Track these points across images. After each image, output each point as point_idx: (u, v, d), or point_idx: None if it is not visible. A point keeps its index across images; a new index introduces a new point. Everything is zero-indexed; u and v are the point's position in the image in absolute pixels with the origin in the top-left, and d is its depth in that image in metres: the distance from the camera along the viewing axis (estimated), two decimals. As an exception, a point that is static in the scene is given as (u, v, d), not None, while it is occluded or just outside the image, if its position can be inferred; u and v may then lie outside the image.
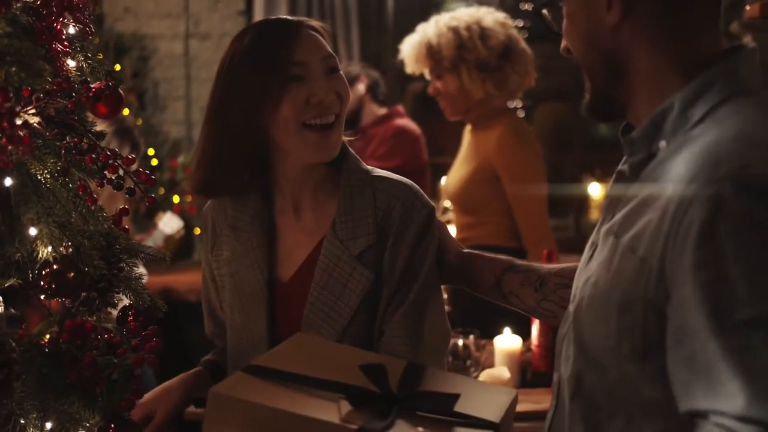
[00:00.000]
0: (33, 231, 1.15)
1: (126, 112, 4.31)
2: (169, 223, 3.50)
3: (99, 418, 1.17)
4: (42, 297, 1.20)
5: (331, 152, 1.54)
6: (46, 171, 1.19)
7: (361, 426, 1.10)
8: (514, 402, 1.29)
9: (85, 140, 1.25)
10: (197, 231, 4.53)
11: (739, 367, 0.85)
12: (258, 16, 4.44)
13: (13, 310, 1.22)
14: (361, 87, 3.65)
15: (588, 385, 1.04)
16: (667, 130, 1.02)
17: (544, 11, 1.14)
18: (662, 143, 1.02)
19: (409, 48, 2.92)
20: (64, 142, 1.22)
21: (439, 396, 1.22)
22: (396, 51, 3.08)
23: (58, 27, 1.30)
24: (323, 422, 1.10)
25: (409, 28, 3.05)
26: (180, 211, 4.39)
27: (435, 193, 3.77)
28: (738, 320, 0.86)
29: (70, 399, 1.16)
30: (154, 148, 4.38)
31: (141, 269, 3.16)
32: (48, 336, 1.18)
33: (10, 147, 1.00)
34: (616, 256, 1.00)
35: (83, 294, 1.21)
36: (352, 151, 1.63)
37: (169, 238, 3.55)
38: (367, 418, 1.12)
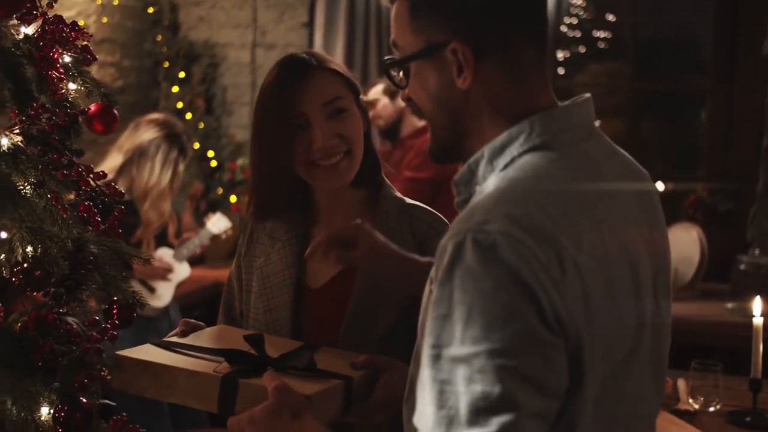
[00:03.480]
0: (4, 234, 1.34)
1: (189, 116, 4.58)
2: (217, 224, 3.71)
3: (55, 398, 1.36)
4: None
5: (341, 180, 1.66)
6: (26, 183, 1.40)
7: (224, 376, 1.34)
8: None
9: (64, 157, 1.45)
10: (252, 230, 4.76)
11: (436, 395, 0.96)
12: (318, 28, 4.64)
13: (-6, 301, 1.43)
14: (399, 103, 3.81)
15: (417, 392, 1.11)
16: (480, 176, 1.11)
17: (391, 70, 1.18)
18: (477, 187, 1.11)
19: None
20: (44, 158, 1.42)
21: (301, 356, 1.44)
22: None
23: (55, 56, 1.50)
24: (198, 373, 1.36)
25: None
26: (237, 210, 4.63)
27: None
28: (449, 356, 0.95)
29: (33, 379, 1.36)
30: (215, 151, 4.63)
31: (185, 266, 3.38)
32: (19, 324, 1.38)
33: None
34: (427, 285, 1.08)
35: (52, 290, 1.41)
36: (387, 180, 1.76)
37: (215, 238, 3.77)
38: (231, 372, 1.36)
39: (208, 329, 1.63)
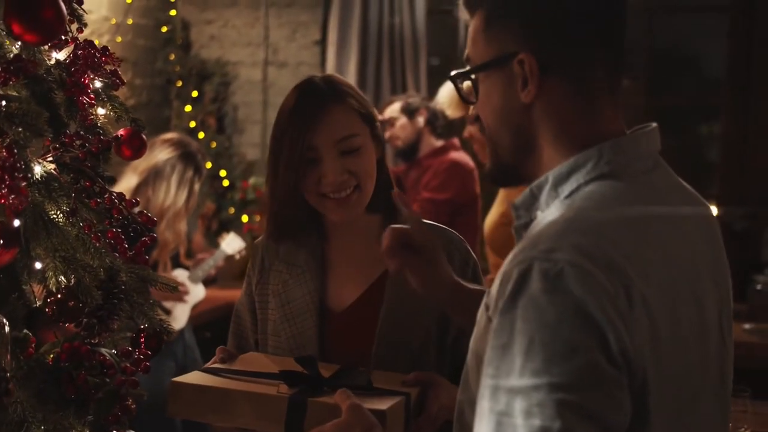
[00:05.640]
0: (38, 265, 1.32)
1: (201, 135, 4.57)
2: (231, 244, 3.68)
3: (88, 431, 1.33)
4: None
5: (350, 213, 1.66)
6: (59, 211, 1.37)
7: (290, 396, 1.36)
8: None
9: (97, 185, 1.43)
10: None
11: (494, 427, 0.93)
12: (331, 46, 4.63)
13: (26, 331, 1.40)
14: (420, 119, 3.78)
15: (467, 420, 1.09)
16: (542, 201, 1.08)
17: (461, 82, 1.17)
18: (539, 212, 1.08)
19: (445, 94, 3.05)
20: (76, 186, 1.40)
21: (358, 374, 1.46)
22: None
23: (86, 81, 1.49)
24: (263, 395, 1.37)
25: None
26: (249, 230, 4.61)
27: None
28: (508, 387, 0.92)
29: (66, 412, 1.33)
30: (227, 170, 4.62)
31: (200, 288, 3.35)
32: (51, 356, 1.35)
33: (12, 196, 1.17)
34: (481, 310, 1.06)
35: (84, 320, 1.38)
36: (399, 203, 1.75)
37: (229, 259, 3.74)
38: (295, 392, 1.38)
39: (242, 357, 1.62)
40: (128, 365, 1.37)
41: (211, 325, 4.03)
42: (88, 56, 1.49)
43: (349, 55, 4.60)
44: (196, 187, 3.30)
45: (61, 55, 1.49)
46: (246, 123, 4.99)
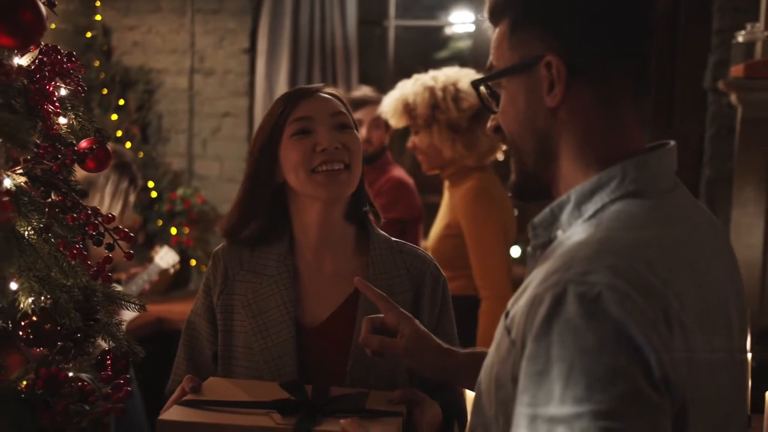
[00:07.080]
0: (14, 285, 1.23)
1: (128, 145, 4.42)
2: (165, 258, 3.56)
3: (68, 463, 1.24)
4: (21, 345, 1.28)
5: (341, 189, 1.63)
6: (30, 227, 1.28)
7: (294, 426, 1.32)
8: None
9: (68, 198, 1.34)
10: (193, 262, 4.62)
11: None
12: (261, 55, 4.55)
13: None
14: (387, 137, 3.74)
15: None
16: (564, 221, 1.06)
17: (482, 89, 1.17)
18: (559, 231, 1.06)
19: (389, 103, 3.03)
20: (49, 200, 1.31)
21: (351, 397, 1.43)
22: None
23: (51, 89, 1.40)
24: (263, 428, 1.32)
25: (409, 73, 3.15)
26: (177, 242, 4.48)
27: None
28: (547, 415, 0.89)
29: (42, 444, 1.24)
30: (154, 181, 4.48)
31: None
32: (25, 382, 1.26)
33: (-7, 212, 1.08)
34: (500, 332, 1.04)
35: (60, 343, 1.30)
36: (370, 219, 1.75)
37: (164, 273, 3.62)
38: (297, 422, 1.34)
39: (208, 384, 1.54)
40: (110, 391, 1.29)
41: (140, 340, 3.87)
42: (56, 62, 1.40)
43: (279, 64, 4.53)
44: (131, 198, 3.18)
45: (23, 61, 1.40)
46: (171, 132, 4.84)
